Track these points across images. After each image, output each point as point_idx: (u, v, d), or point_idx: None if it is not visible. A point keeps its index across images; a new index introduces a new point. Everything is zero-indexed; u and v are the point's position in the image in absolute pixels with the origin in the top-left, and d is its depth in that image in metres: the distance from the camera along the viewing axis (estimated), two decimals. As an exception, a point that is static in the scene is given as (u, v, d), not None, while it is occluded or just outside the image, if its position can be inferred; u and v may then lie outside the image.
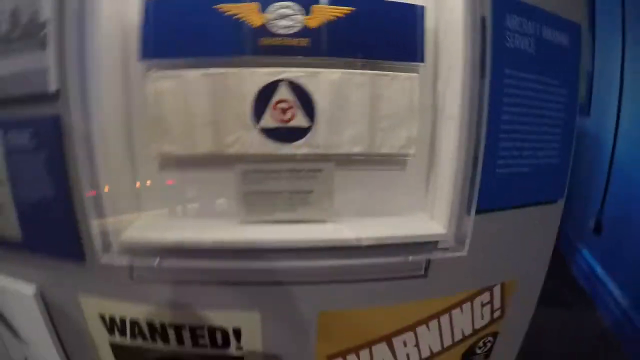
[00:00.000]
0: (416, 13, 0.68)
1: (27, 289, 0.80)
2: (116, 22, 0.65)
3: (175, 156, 0.66)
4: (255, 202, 0.66)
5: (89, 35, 0.62)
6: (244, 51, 0.64)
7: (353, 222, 0.67)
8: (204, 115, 0.64)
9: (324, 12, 0.65)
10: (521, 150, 0.69)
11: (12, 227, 0.77)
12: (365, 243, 0.64)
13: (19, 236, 0.77)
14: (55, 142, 0.67)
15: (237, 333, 0.66)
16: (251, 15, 0.63)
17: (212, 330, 0.66)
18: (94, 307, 0.73)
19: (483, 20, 0.61)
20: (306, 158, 0.66)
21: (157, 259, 0.63)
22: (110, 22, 0.64)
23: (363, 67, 0.66)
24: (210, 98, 0.64)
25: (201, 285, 0.68)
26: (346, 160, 0.67)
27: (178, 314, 0.66)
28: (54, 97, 0.68)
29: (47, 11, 0.66)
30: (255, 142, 0.64)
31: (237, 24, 0.63)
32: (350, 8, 0.65)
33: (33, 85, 0.68)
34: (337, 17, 0.65)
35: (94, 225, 0.63)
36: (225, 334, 0.66)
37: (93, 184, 0.66)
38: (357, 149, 0.67)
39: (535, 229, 0.74)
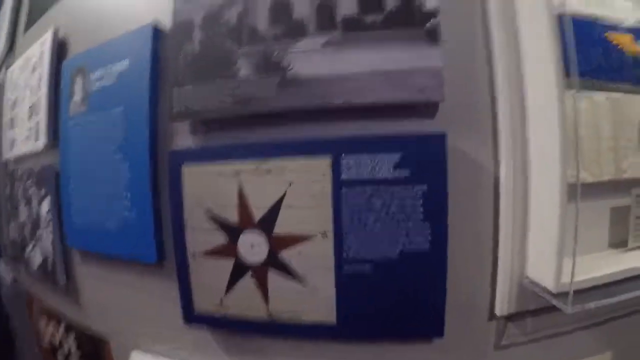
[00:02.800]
0: None
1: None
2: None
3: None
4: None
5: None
6: (629, 78, 0.57)
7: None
8: (608, 140, 0.55)
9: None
10: None
11: (321, 306, 0.51)
12: None
13: (332, 319, 0.51)
14: (438, 174, 0.48)
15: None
16: (630, 46, 0.57)
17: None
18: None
19: None
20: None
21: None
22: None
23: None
24: (611, 123, 0.55)
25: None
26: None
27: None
28: (433, 108, 0.49)
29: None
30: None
31: (620, 52, 0.56)
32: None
33: (405, 91, 0.48)
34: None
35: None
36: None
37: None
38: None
39: None
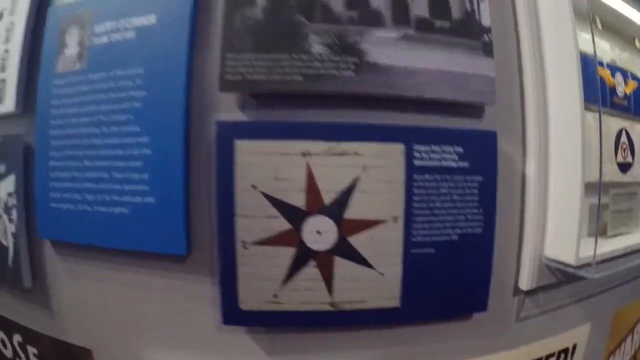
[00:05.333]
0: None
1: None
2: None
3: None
4: (616, 219, 0.74)
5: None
6: (606, 103, 0.76)
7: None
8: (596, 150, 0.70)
9: (630, 85, 0.86)
10: None
11: (386, 290, 0.52)
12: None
13: (396, 302, 0.53)
14: (491, 166, 0.56)
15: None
16: (609, 79, 0.78)
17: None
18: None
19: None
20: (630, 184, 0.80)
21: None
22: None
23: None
24: (597, 136, 0.71)
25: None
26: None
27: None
28: (481, 110, 0.57)
29: (488, 17, 0.57)
30: (615, 173, 0.75)
31: (603, 83, 0.76)
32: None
33: (467, 92, 0.55)
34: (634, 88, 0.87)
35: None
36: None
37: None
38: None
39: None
